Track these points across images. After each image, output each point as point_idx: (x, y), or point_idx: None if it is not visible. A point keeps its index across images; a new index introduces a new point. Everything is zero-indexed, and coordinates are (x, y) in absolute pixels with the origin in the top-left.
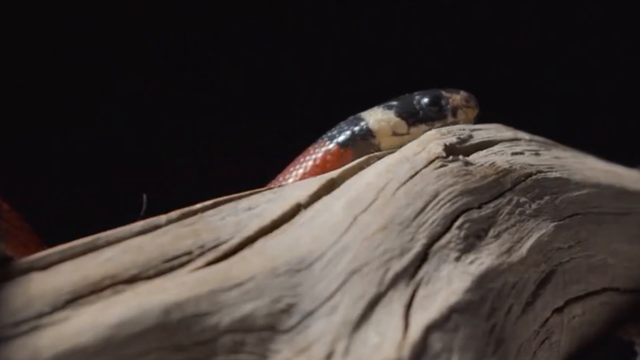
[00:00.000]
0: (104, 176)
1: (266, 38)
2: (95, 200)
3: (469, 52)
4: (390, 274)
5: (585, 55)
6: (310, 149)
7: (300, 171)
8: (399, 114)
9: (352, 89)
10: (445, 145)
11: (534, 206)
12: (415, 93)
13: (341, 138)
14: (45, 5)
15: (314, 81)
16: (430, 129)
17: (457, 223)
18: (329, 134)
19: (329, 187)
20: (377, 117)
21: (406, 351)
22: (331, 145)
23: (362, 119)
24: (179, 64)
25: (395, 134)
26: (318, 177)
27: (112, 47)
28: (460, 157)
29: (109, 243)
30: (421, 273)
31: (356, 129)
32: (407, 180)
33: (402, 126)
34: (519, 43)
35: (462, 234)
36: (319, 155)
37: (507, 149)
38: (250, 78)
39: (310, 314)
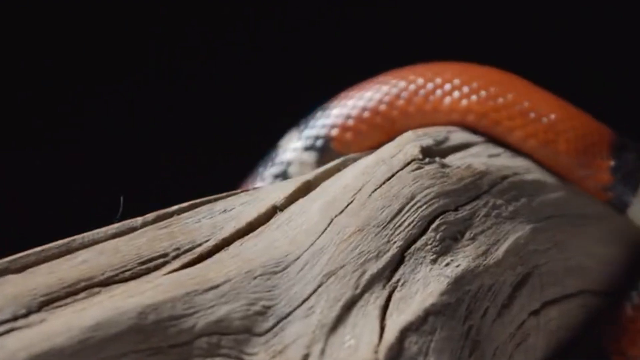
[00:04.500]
0: (81, 179)
1: (245, 38)
2: (71, 203)
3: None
4: (366, 277)
5: (577, 52)
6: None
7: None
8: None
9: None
10: (422, 147)
11: (510, 208)
12: None
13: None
14: (41, 4)
15: (299, 81)
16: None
17: (434, 225)
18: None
19: (305, 189)
20: None
21: (382, 354)
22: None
23: None
24: (162, 64)
25: None
26: (294, 179)
27: (88, 50)
28: (437, 159)
29: (84, 245)
30: (397, 275)
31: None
32: (384, 183)
33: None
34: (516, 42)
35: (439, 236)
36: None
37: (484, 150)
38: (233, 77)
39: (286, 316)
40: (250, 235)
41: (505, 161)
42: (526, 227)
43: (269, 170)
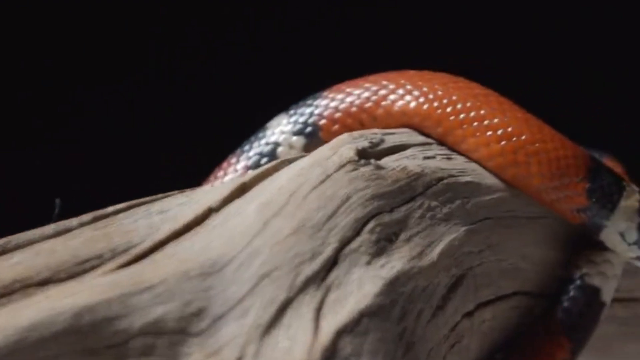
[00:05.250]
0: (81, 179)
1: (245, 38)
2: (70, 203)
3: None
4: (301, 278)
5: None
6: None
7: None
8: None
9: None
10: (357, 149)
11: (445, 210)
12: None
13: None
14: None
15: (299, 81)
16: None
17: (369, 227)
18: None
19: (241, 191)
20: None
21: (316, 355)
22: None
23: None
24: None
25: None
26: (229, 181)
27: (88, 50)
28: (372, 161)
29: (20, 246)
30: (332, 277)
31: None
32: (319, 184)
33: None
34: (515, 42)
35: (374, 237)
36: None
37: (419, 152)
38: (233, 77)
39: (221, 317)
40: (186, 236)
41: (440, 163)
42: (460, 229)
43: (256, 149)
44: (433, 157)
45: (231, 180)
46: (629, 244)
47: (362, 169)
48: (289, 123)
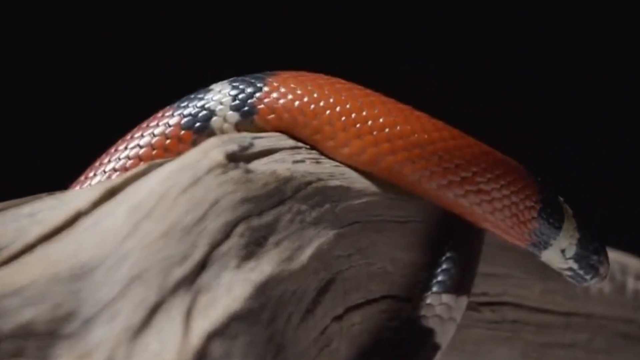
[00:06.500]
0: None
1: (245, 38)
2: None
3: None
4: (170, 281)
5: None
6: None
7: None
8: None
9: None
10: (227, 153)
11: (314, 214)
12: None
13: None
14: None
15: None
16: None
17: (238, 230)
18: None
19: (111, 194)
20: None
21: (186, 358)
22: None
23: None
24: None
25: None
26: (100, 184)
27: (88, 50)
28: (241, 164)
29: None
30: (202, 280)
31: None
32: (189, 187)
33: None
34: (514, 42)
35: (243, 241)
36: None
37: (289, 156)
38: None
39: (91, 319)
40: (57, 238)
41: (309, 167)
42: (330, 233)
43: (192, 110)
44: (302, 161)
45: (100, 183)
46: (567, 258)
47: (232, 173)
48: (229, 95)
